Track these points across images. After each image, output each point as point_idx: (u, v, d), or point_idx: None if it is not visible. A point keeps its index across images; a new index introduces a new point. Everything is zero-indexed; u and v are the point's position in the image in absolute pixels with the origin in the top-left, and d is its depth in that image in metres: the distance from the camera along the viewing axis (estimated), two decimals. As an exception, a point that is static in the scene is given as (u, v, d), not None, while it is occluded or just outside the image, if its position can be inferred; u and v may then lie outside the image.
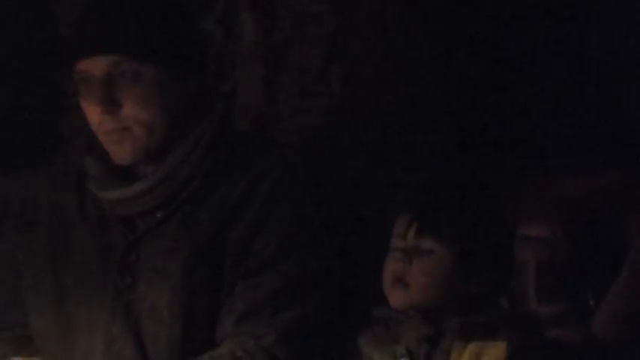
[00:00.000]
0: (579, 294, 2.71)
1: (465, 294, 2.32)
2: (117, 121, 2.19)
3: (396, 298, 2.31)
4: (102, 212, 2.28)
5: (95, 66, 2.17)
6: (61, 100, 3.18)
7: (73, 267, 2.28)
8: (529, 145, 3.03)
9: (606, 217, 2.78)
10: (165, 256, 2.22)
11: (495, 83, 3.09)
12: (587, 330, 2.60)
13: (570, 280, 2.75)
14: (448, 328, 2.30)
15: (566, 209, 2.82)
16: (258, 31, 3.16)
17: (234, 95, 3.18)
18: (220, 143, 2.29)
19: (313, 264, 2.25)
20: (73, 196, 2.34)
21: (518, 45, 3.13)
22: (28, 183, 2.48)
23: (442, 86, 3.13)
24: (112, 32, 2.20)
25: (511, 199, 2.87)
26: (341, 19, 3.16)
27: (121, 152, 2.22)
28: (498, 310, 2.43)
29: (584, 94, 3.06)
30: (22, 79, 3.16)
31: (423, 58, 3.15)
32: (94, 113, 2.21)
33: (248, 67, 3.15)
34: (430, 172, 3.07)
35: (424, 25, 3.17)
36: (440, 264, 2.32)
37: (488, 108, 3.09)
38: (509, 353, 2.24)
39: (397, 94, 3.15)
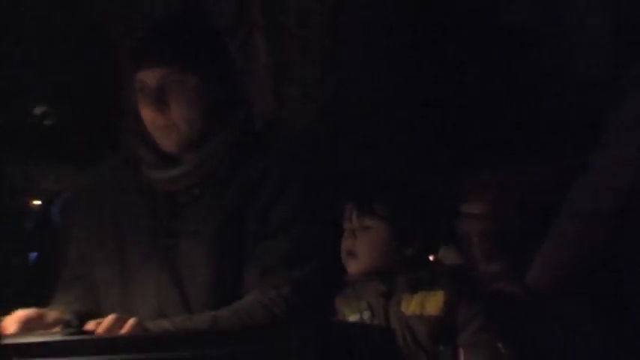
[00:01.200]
0: (520, 255, 2.85)
1: (404, 256, 2.51)
2: (166, 118, 2.35)
3: (350, 267, 2.52)
4: (152, 189, 2.43)
5: (150, 77, 2.35)
6: (116, 108, 3.28)
7: (131, 232, 2.42)
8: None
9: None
10: (201, 222, 2.35)
11: (449, 94, 3.16)
12: (524, 283, 2.73)
13: (512, 245, 2.90)
14: (398, 285, 2.47)
15: (497, 192, 2.97)
16: (269, 54, 3.29)
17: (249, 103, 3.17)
18: (243, 139, 2.43)
19: (315, 233, 2.38)
20: (131, 178, 2.48)
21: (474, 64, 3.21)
22: (99, 170, 2.62)
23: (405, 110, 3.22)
24: (162, 51, 2.36)
25: (457, 187, 3.01)
26: (334, 41, 3.29)
27: (169, 142, 2.38)
28: (438, 267, 2.61)
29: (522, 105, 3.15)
30: (89, 96, 3.23)
31: (398, 73, 3.25)
32: (148, 112, 2.37)
33: (261, 81, 3.28)
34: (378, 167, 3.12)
35: (401, 47, 3.29)
36: (378, 236, 2.51)
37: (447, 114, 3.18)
38: (446, 300, 2.41)
39: (376, 100, 3.25)
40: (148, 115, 2.38)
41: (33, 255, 3.54)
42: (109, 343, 1.83)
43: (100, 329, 2.01)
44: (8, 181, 1.67)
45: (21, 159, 3.23)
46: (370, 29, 3.34)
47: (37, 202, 3.50)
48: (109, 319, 2.04)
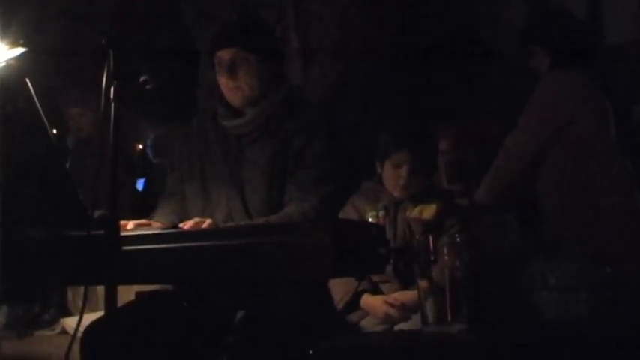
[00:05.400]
0: (471, 179, 2.92)
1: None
2: (235, 84, 2.35)
3: (397, 193, 2.44)
4: (225, 133, 2.43)
5: (224, 54, 2.34)
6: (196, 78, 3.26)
7: (210, 162, 2.42)
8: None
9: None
10: (257, 156, 2.36)
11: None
12: (473, 198, 2.82)
13: (466, 172, 2.96)
14: (406, 198, 2.47)
15: (458, 135, 3.01)
16: (299, 44, 3.30)
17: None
18: (286, 100, 2.39)
19: (334, 164, 2.36)
20: (211, 125, 2.47)
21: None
22: (192, 121, 2.56)
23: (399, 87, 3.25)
24: (233, 37, 2.36)
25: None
26: (345, 37, 3.30)
27: (236, 100, 2.37)
28: (431, 186, 2.58)
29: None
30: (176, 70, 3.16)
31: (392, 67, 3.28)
32: (223, 79, 2.37)
33: (294, 62, 3.28)
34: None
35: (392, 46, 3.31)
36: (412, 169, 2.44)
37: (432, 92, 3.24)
38: (438, 211, 2.41)
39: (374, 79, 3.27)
40: (223, 80, 2.38)
41: (140, 181, 3.52)
42: (187, 234, 1.87)
43: (187, 227, 2.05)
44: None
45: (130, 112, 3.19)
46: (368, 28, 3.33)
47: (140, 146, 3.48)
48: (192, 221, 2.10)
